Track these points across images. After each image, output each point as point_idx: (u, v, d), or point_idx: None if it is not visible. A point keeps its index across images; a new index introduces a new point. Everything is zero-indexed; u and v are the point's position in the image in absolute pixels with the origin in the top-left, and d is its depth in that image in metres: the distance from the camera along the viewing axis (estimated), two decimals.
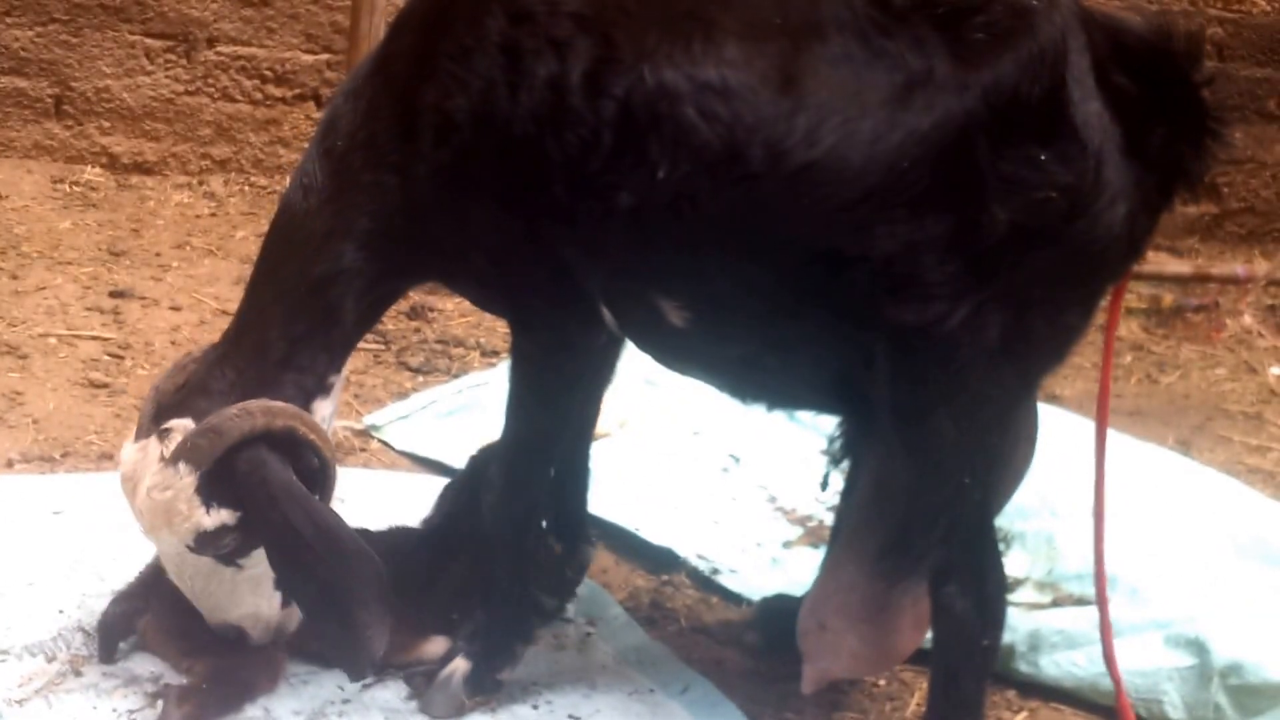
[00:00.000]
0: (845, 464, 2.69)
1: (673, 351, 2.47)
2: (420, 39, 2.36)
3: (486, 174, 2.27)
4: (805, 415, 3.81)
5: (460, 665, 2.55)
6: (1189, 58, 2.16)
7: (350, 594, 2.32)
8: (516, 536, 2.57)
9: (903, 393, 2.20)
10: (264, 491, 2.31)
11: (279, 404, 2.37)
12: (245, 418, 2.31)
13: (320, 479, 2.41)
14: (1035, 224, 2.08)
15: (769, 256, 2.16)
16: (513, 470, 2.53)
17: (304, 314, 2.41)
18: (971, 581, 2.32)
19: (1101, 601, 2.57)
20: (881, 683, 2.86)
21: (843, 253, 2.12)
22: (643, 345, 2.50)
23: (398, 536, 2.82)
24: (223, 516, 2.33)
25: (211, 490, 2.31)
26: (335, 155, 2.38)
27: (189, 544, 2.35)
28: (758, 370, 2.38)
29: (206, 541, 2.35)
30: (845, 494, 2.71)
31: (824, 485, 2.85)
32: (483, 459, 2.79)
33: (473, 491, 2.74)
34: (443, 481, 3.42)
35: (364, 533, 2.76)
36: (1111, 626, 2.58)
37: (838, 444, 2.67)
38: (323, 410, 2.46)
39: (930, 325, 2.12)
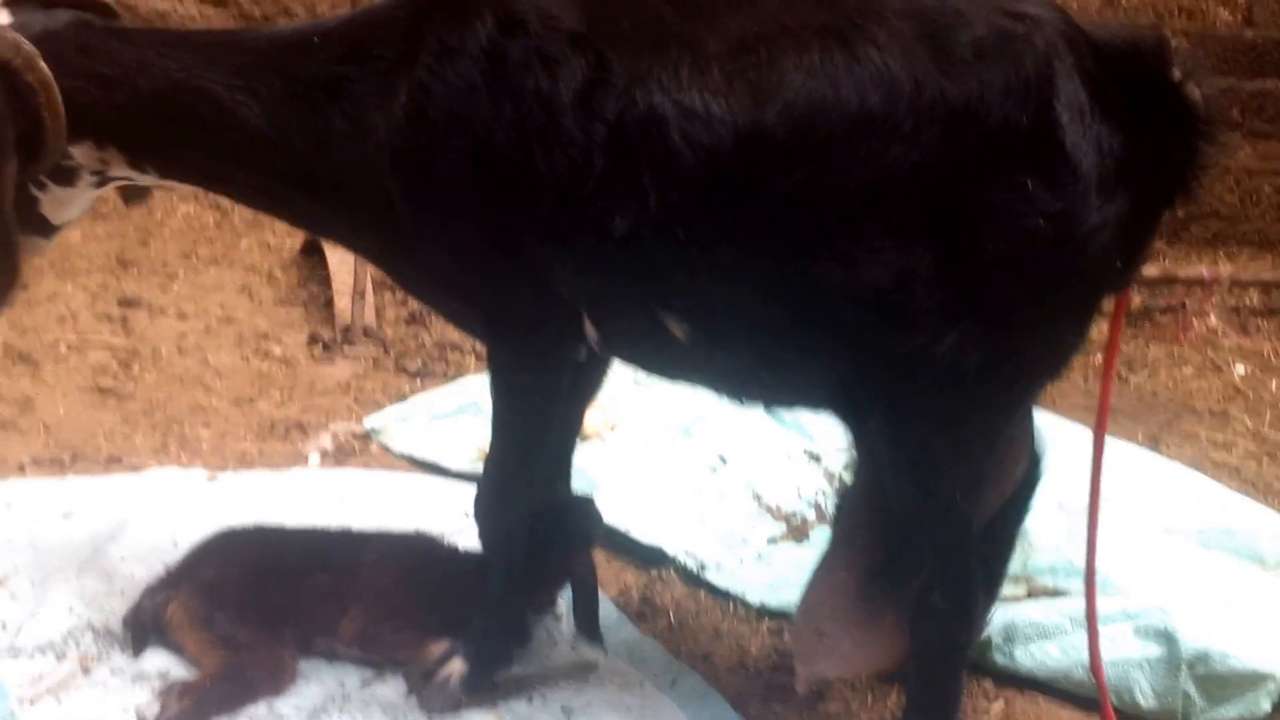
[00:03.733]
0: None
1: (665, 363, 2.45)
2: (405, 25, 2.28)
3: (457, 177, 2.21)
4: (789, 416, 3.90)
5: (457, 666, 2.61)
6: (1161, 63, 2.09)
7: None
8: (508, 546, 2.62)
9: (893, 415, 2.17)
10: None
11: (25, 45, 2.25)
12: None
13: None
14: (1024, 252, 2.01)
15: (761, 278, 2.12)
16: (501, 482, 2.56)
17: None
18: (953, 586, 2.35)
19: (1091, 610, 2.59)
20: (863, 677, 2.91)
21: (829, 279, 2.07)
22: (632, 358, 2.48)
23: (424, 543, 2.89)
24: None
25: None
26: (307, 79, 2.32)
27: None
28: (753, 381, 2.37)
29: None
30: (842, 497, 2.73)
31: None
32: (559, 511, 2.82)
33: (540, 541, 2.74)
34: (440, 482, 3.54)
35: (385, 534, 2.85)
36: (1098, 636, 2.61)
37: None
38: None
39: (918, 351, 2.07)
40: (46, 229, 2.56)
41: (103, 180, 2.51)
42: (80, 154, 2.42)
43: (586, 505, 2.88)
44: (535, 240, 2.24)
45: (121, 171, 2.48)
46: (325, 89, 2.31)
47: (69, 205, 2.56)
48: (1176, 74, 2.07)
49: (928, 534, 2.29)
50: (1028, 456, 2.49)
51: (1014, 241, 2.01)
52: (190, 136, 2.39)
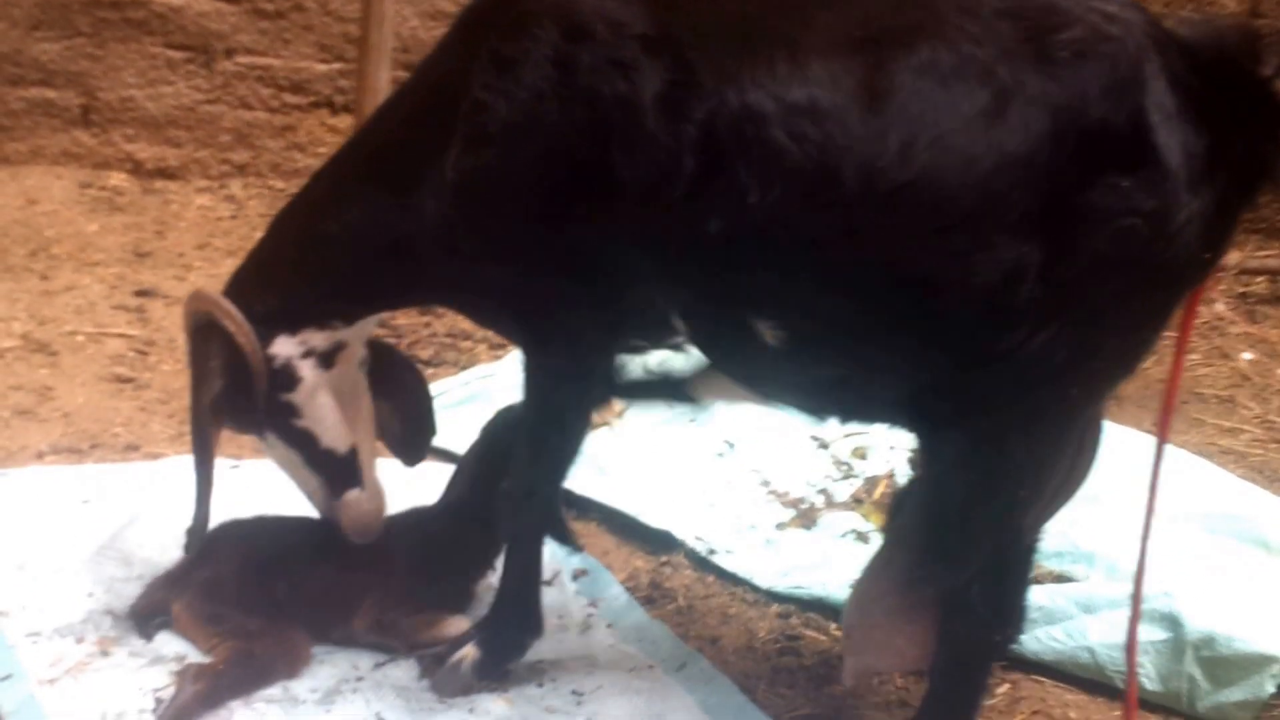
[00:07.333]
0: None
1: (755, 372, 2.41)
2: (455, 49, 2.35)
3: (525, 187, 2.22)
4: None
5: (470, 652, 2.64)
6: (1249, 58, 2.05)
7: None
8: (529, 543, 2.67)
9: (975, 410, 2.14)
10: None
11: (207, 292, 2.56)
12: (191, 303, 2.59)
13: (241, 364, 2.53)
14: (1120, 251, 2.01)
15: (867, 279, 2.09)
16: (529, 483, 2.60)
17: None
18: (992, 584, 2.34)
19: (1135, 610, 2.59)
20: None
21: (942, 279, 2.03)
22: (723, 365, 2.48)
23: (417, 517, 2.93)
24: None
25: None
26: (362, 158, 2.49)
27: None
28: (842, 390, 2.32)
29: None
30: (900, 496, 2.72)
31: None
32: (495, 425, 2.88)
33: (487, 458, 2.84)
34: (452, 468, 3.57)
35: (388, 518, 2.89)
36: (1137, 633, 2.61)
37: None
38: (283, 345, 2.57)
39: (1011, 350, 2.05)
40: (341, 467, 2.67)
41: (323, 360, 2.59)
42: (282, 349, 2.55)
43: None
44: (617, 247, 2.22)
45: (322, 340, 2.57)
46: (392, 184, 2.41)
47: (318, 407, 2.61)
48: (1266, 69, 2.04)
49: (980, 534, 2.26)
50: (1090, 460, 2.47)
51: (1111, 241, 2.00)
52: (322, 282, 2.55)
